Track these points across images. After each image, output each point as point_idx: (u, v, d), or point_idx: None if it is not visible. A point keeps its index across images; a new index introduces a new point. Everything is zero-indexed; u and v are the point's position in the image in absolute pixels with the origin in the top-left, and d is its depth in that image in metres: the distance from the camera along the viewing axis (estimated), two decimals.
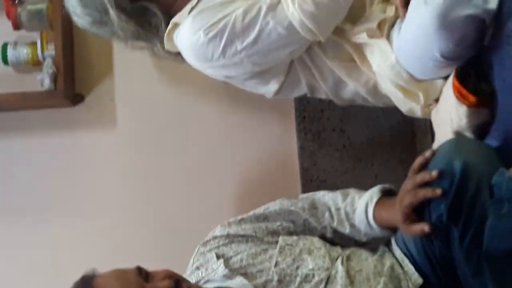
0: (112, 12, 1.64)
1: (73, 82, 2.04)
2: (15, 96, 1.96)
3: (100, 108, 2.08)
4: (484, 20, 1.32)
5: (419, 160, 1.39)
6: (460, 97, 1.38)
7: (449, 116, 1.43)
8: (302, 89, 1.74)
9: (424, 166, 1.37)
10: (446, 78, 1.49)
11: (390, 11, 1.57)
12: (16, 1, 1.99)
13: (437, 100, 1.54)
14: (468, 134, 1.42)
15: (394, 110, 1.67)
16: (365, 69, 1.63)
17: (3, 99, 1.95)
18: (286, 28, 1.54)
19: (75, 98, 2.04)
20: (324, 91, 1.72)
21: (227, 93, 2.04)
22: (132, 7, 1.68)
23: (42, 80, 1.91)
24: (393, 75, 1.55)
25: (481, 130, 1.41)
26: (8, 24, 2.01)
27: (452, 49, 1.37)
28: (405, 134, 2.00)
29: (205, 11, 1.59)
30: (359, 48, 1.62)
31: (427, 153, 1.38)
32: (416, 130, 1.96)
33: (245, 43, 1.56)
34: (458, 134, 1.43)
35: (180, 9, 1.67)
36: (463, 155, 1.30)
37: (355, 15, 1.61)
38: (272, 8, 1.54)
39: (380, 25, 1.57)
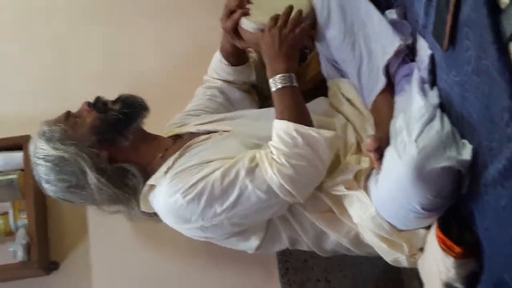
0: (91, 175, 1.62)
1: (47, 250, 1.99)
2: None
3: (75, 275, 2.01)
4: (460, 171, 1.33)
5: None
6: (446, 248, 1.36)
7: (437, 268, 1.40)
8: (283, 243, 1.71)
9: None
10: (428, 227, 1.48)
11: (365, 162, 1.58)
12: None
13: (421, 249, 1.52)
14: (459, 286, 1.38)
15: (379, 257, 1.63)
16: (345, 220, 1.61)
17: None
18: (265, 192, 1.53)
19: (50, 266, 1.98)
20: (306, 244, 1.69)
21: (207, 249, 1.99)
22: (111, 169, 1.66)
23: (15, 252, 1.86)
24: (374, 227, 1.53)
25: (470, 281, 1.37)
26: None
27: (432, 201, 1.37)
28: (392, 280, 1.96)
29: (182, 173, 1.59)
30: (338, 200, 1.61)
31: None
32: (403, 276, 1.91)
33: (224, 206, 1.54)
34: (448, 286, 1.39)
35: (156, 169, 1.66)
36: None
37: (331, 167, 1.62)
38: (251, 171, 1.54)
39: (356, 177, 1.58)
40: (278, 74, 1.62)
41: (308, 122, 1.59)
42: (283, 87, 1.61)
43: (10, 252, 1.89)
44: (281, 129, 1.56)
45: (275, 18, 1.66)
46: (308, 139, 1.53)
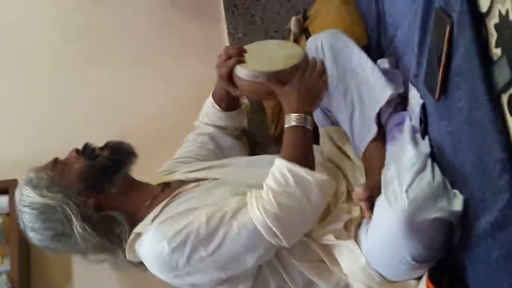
0: (77, 223, 1.59)
1: None
2: None
3: None
4: (451, 222, 1.31)
5: None
6: None
7: None
8: None
9: None
10: (419, 278, 1.45)
11: (356, 211, 1.57)
12: None
13: None
14: None
15: None
16: (335, 270, 1.58)
17: None
18: (251, 231, 1.51)
19: None
20: None
21: None
22: (98, 217, 1.63)
23: None
24: (365, 278, 1.51)
25: None
26: None
27: (423, 252, 1.35)
28: None
29: (168, 220, 1.56)
30: (328, 249, 1.59)
31: None
32: None
33: (209, 249, 1.51)
34: None
35: (143, 217, 1.63)
36: None
37: (321, 215, 1.60)
38: (237, 212, 1.52)
39: (346, 226, 1.56)
40: (297, 113, 1.62)
41: (309, 165, 1.57)
42: (295, 126, 1.61)
43: None
44: (276, 167, 1.55)
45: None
46: (299, 179, 1.52)
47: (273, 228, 1.50)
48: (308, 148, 1.62)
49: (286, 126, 1.63)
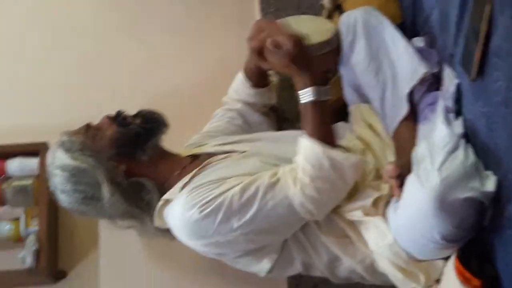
0: (106, 188, 1.61)
1: (55, 258, 1.98)
2: None
3: (82, 285, 2.00)
4: (482, 202, 1.31)
5: None
6: (464, 280, 1.33)
7: None
8: (296, 268, 1.68)
9: None
10: (446, 258, 1.45)
11: (384, 188, 1.57)
12: (2, 177, 1.95)
13: (438, 281, 1.49)
14: None
15: (393, 286, 1.60)
16: (361, 246, 1.59)
17: None
18: (286, 209, 1.52)
19: (57, 275, 1.97)
20: (319, 270, 1.67)
21: (216, 269, 1.96)
22: (128, 183, 1.65)
23: (23, 258, 1.84)
24: (391, 255, 1.51)
25: None
26: None
27: (453, 232, 1.35)
28: None
29: (200, 188, 1.57)
30: (354, 225, 1.59)
31: None
32: None
33: (241, 221, 1.52)
34: None
35: (172, 185, 1.65)
36: None
37: (349, 192, 1.60)
38: (272, 187, 1.52)
39: (375, 203, 1.56)
40: (303, 88, 1.57)
41: (333, 142, 1.57)
42: (309, 102, 1.56)
43: (18, 258, 1.87)
44: (307, 150, 1.53)
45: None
46: (334, 163, 1.51)
47: (311, 210, 1.52)
48: (328, 121, 1.59)
49: (300, 102, 1.58)
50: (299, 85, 1.57)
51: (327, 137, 1.56)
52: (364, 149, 1.73)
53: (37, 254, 1.85)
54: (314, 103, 1.56)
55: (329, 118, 1.60)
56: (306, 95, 1.56)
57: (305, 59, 1.56)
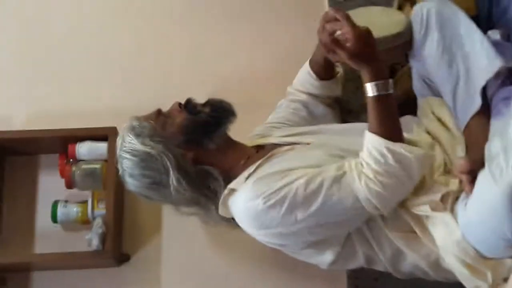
0: (173, 175, 1.63)
1: (120, 242, 2.01)
2: (62, 256, 1.92)
3: (145, 270, 2.01)
4: None
5: None
6: None
7: None
8: (359, 261, 1.67)
9: None
10: None
11: (454, 184, 1.54)
12: (71, 160, 2.00)
13: (506, 280, 1.46)
14: None
15: (457, 283, 1.57)
16: (426, 241, 1.56)
17: (49, 258, 1.92)
18: (352, 203, 1.51)
19: (121, 258, 2.00)
20: (382, 264, 1.65)
21: (276, 259, 1.95)
22: (195, 170, 1.67)
23: (90, 240, 1.88)
24: (458, 251, 1.48)
25: None
26: (60, 181, 2.01)
27: None
28: None
29: (265, 178, 1.58)
30: (420, 220, 1.57)
31: None
32: None
33: (306, 213, 1.52)
34: None
35: (237, 175, 1.66)
36: None
37: (416, 185, 1.57)
38: (337, 180, 1.51)
39: (443, 198, 1.54)
40: (369, 82, 1.55)
41: (399, 136, 1.55)
42: (376, 96, 1.54)
43: (84, 240, 1.91)
44: (372, 144, 1.52)
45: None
46: (399, 158, 1.49)
47: (376, 204, 1.50)
48: (395, 115, 1.57)
49: (367, 95, 1.56)
50: (365, 78, 1.55)
51: (393, 131, 1.54)
52: (433, 143, 1.70)
53: (103, 237, 1.88)
54: (378, 97, 1.54)
55: (395, 112, 1.58)
56: (371, 89, 1.54)
57: (371, 53, 1.54)
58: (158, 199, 1.74)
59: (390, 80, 1.55)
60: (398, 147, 1.50)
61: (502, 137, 1.38)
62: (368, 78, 1.54)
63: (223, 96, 1.78)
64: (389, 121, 1.55)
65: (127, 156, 1.66)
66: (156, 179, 1.65)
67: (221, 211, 1.68)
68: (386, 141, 1.51)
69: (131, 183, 1.70)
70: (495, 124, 1.54)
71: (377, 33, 1.64)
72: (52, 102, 2.20)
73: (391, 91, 1.54)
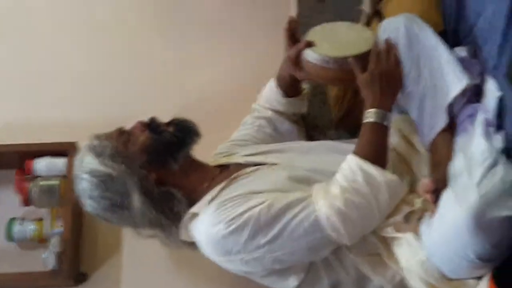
0: (136, 197, 1.58)
1: (78, 261, 1.94)
2: (17, 276, 1.85)
3: None
4: None
5: None
6: None
7: None
8: (324, 286, 1.61)
9: None
10: (479, 277, 1.39)
11: (418, 203, 1.51)
12: (28, 176, 1.94)
13: None
14: None
15: None
16: (391, 263, 1.53)
17: (4, 279, 1.85)
18: (311, 224, 1.47)
19: (79, 277, 1.93)
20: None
21: (240, 283, 1.89)
22: (158, 192, 1.61)
23: (46, 259, 1.82)
24: (422, 272, 1.45)
25: None
26: (16, 198, 1.96)
27: (489, 251, 1.29)
28: None
29: (228, 202, 1.53)
30: (386, 242, 1.54)
31: None
32: None
33: (268, 237, 1.48)
34: None
35: (200, 197, 1.61)
36: None
37: None
38: (300, 201, 1.48)
39: (407, 218, 1.51)
40: (378, 108, 1.57)
41: (383, 164, 1.53)
42: (374, 123, 1.56)
43: (41, 260, 1.85)
44: (347, 163, 1.51)
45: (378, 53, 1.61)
46: (368, 177, 1.47)
47: (336, 223, 1.46)
48: (385, 147, 1.57)
49: (364, 121, 1.57)
50: (371, 103, 1.58)
51: (378, 160, 1.52)
52: (399, 162, 1.67)
53: (60, 255, 1.82)
54: (376, 125, 1.56)
55: (386, 145, 1.58)
56: (372, 115, 1.56)
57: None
58: (117, 222, 1.68)
59: (390, 114, 1.58)
60: (371, 167, 1.48)
61: (466, 155, 1.36)
62: (376, 104, 1.56)
63: (186, 111, 1.74)
64: (378, 150, 1.55)
65: (86, 177, 1.61)
66: (117, 202, 1.60)
67: (182, 236, 1.63)
68: (361, 160, 1.50)
69: (89, 205, 1.64)
70: (460, 142, 1.51)
71: (347, 51, 1.62)
72: (11, 116, 2.15)
73: (389, 124, 1.57)
